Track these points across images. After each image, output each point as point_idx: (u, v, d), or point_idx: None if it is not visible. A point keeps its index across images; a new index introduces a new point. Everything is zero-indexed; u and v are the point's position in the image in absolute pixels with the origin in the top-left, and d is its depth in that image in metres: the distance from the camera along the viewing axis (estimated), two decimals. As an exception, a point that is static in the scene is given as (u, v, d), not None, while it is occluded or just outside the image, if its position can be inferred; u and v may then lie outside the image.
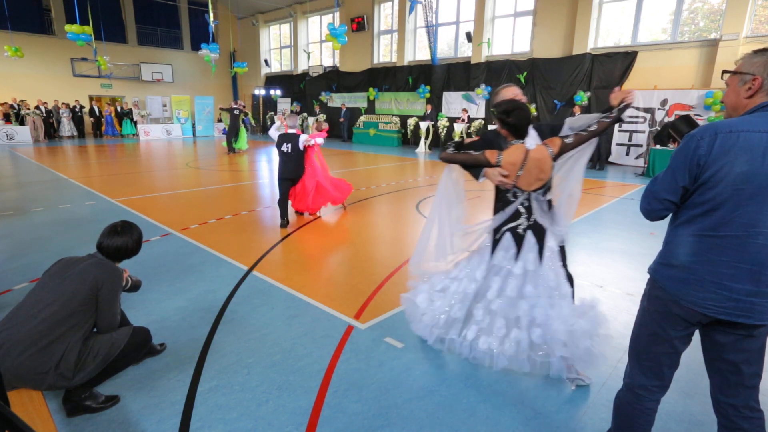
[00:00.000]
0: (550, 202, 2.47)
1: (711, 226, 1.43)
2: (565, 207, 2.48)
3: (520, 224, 2.42)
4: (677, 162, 1.47)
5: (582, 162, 2.49)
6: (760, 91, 1.42)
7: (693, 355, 2.61)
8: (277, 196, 5.78)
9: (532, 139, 2.38)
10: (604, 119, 2.38)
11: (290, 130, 5.74)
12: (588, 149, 2.47)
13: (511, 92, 2.58)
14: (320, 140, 5.86)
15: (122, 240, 2.32)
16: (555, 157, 2.35)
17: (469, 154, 2.44)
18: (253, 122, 15.89)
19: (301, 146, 5.63)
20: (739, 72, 1.47)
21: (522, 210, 2.41)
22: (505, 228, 2.45)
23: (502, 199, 2.47)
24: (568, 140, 2.35)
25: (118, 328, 2.27)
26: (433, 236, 2.72)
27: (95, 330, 2.23)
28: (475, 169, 2.46)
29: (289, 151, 5.65)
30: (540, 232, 2.42)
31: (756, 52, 1.44)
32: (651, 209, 1.58)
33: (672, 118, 6.14)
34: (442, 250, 2.69)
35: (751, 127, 1.35)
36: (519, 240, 2.43)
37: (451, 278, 2.66)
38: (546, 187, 2.42)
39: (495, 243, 2.50)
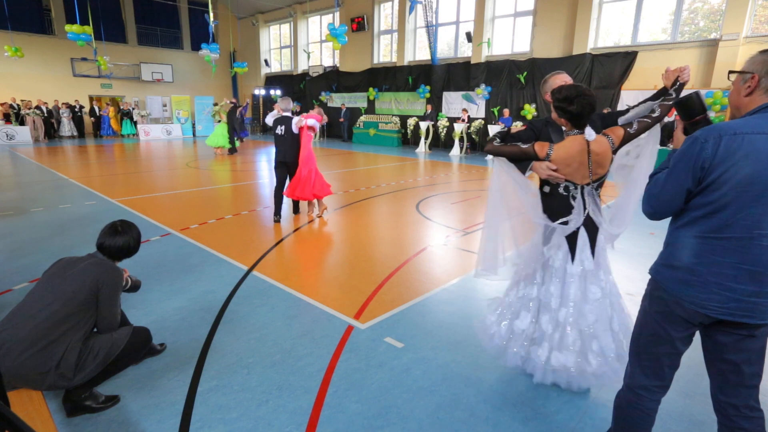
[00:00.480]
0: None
1: (714, 228, 1.42)
2: (625, 206, 2.29)
3: (572, 220, 2.23)
4: (681, 165, 1.45)
5: (646, 159, 2.26)
6: (757, 90, 1.42)
7: (693, 355, 2.61)
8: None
9: (590, 129, 2.13)
10: (665, 102, 2.16)
11: (284, 113, 5.79)
12: (653, 141, 2.26)
13: (561, 79, 2.39)
14: (312, 122, 5.69)
15: (123, 239, 2.33)
16: (615, 150, 2.16)
17: (516, 146, 2.23)
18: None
19: (294, 128, 5.64)
20: (742, 71, 1.47)
21: (574, 204, 2.22)
22: (556, 223, 2.24)
23: (553, 194, 2.25)
24: (632, 129, 2.14)
25: (118, 328, 2.27)
26: (500, 238, 2.41)
27: (95, 330, 2.23)
28: (522, 162, 2.24)
29: (283, 133, 5.69)
30: (593, 229, 2.25)
31: (761, 52, 1.44)
32: (654, 212, 1.57)
33: (672, 118, 6.11)
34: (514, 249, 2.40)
35: (755, 129, 1.35)
36: (572, 237, 2.24)
37: (509, 289, 2.52)
38: (600, 182, 2.24)
39: (545, 240, 2.30)
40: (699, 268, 1.46)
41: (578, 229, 2.23)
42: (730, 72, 1.54)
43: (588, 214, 2.23)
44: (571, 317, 2.23)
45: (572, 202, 2.21)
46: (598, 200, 2.27)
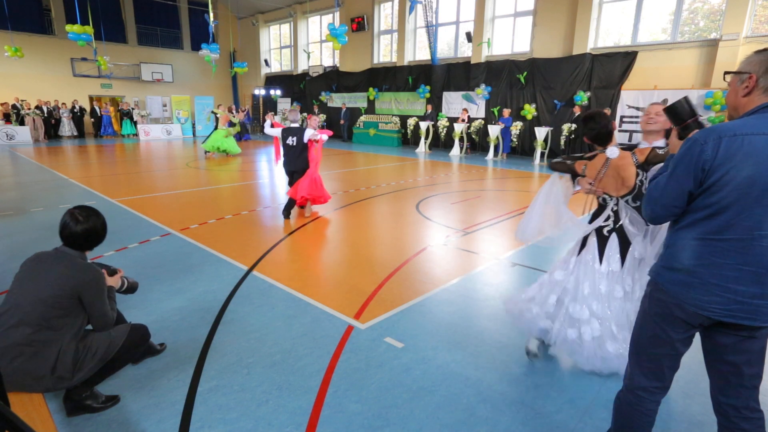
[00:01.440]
0: (638, 208, 2.48)
1: (715, 230, 1.42)
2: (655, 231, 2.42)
3: (605, 226, 2.56)
4: (681, 167, 1.44)
5: None
6: (756, 90, 1.41)
7: (693, 355, 2.61)
8: (278, 194, 5.87)
9: (617, 148, 2.43)
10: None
11: (293, 125, 6.04)
12: None
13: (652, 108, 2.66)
14: (325, 137, 6.04)
15: (87, 226, 2.15)
16: (640, 165, 2.36)
17: (564, 164, 2.67)
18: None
19: (305, 139, 5.84)
20: (738, 72, 1.46)
21: (611, 214, 2.53)
22: (592, 227, 2.60)
23: (599, 204, 2.63)
24: (661, 150, 2.33)
25: (113, 325, 2.24)
26: (534, 219, 2.75)
27: (91, 328, 2.21)
28: (571, 177, 2.68)
29: (294, 144, 5.89)
30: (624, 237, 2.51)
31: (757, 52, 1.43)
32: (656, 216, 1.56)
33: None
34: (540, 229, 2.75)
35: (755, 130, 1.34)
36: (602, 241, 2.57)
37: (548, 274, 2.84)
38: (633, 194, 2.43)
39: (583, 240, 2.67)
40: (700, 269, 1.45)
41: (610, 234, 2.55)
42: (726, 73, 1.53)
43: (621, 223, 2.50)
44: (600, 310, 2.53)
45: (609, 211, 2.54)
46: (633, 212, 2.47)
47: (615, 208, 2.51)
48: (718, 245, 1.42)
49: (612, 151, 2.42)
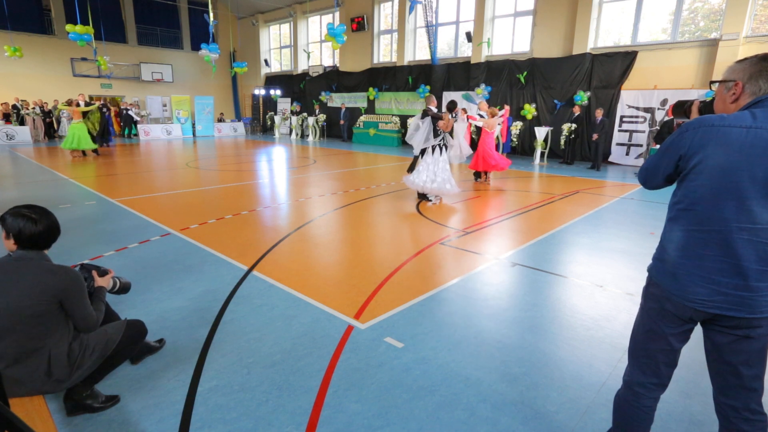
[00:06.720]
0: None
1: (696, 221, 1.46)
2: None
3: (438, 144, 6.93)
4: (664, 147, 1.55)
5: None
6: (743, 95, 1.47)
7: (693, 355, 2.61)
8: (278, 194, 5.85)
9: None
10: None
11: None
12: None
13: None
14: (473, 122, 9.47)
15: (45, 224, 2.03)
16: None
17: None
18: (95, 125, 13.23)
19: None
20: (724, 80, 1.53)
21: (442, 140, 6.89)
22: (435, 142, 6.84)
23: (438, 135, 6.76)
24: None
25: (99, 324, 2.17)
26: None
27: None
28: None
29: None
30: (445, 147, 6.96)
31: (738, 61, 1.51)
32: (642, 180, 1.71)
33: (670, 117, 6.46)
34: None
35: (733, 123, 1.38)
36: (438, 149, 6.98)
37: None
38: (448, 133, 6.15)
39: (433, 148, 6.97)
40: (684, 261, 1.49)
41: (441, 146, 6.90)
42: (712, 82, 1.60)
43: (445, 143, 7.09)
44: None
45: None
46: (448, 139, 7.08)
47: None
48: (700, 236, 1.45)
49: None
